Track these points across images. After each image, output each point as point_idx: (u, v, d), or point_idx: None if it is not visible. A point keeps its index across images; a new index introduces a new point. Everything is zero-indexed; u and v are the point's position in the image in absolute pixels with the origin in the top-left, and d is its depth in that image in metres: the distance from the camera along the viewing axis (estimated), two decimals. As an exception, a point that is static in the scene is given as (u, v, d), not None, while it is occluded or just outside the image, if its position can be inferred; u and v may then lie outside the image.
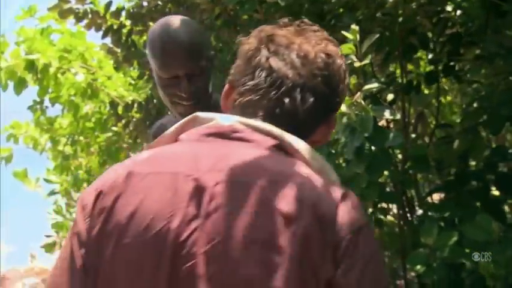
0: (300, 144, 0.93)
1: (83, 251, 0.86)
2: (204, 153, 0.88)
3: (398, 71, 2.94)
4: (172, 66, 1.35)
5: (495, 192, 2.45)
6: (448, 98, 4.17)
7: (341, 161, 2.11)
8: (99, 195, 0.88)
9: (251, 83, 0.98)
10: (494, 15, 2.45)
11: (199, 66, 1.38)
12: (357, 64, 1.80)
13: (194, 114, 0.98)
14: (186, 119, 0.98)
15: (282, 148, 0.92)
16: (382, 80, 2.86)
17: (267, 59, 0.99)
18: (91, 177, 4.26)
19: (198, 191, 0.83)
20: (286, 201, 0.82)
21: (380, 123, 3.24)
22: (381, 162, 1.90)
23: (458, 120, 4.25)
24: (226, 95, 1.05)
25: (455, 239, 1.94)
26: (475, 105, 2.18)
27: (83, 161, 4.37)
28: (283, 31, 1.05)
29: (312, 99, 0.97)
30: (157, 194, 0.84)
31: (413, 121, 3.87)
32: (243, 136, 0.92)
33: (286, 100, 0.96)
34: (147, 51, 1.44)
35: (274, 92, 0.96)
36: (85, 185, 4.63)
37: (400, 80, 2.76)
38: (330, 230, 0.84)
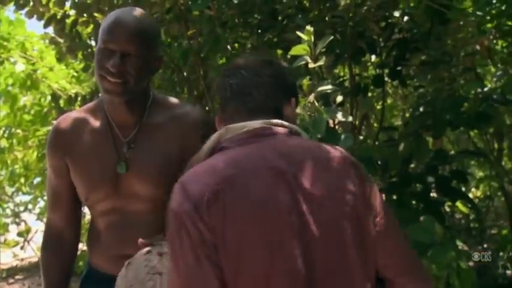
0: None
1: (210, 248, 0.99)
2: (264, 148, 1.09)
3: (346, 74, 3.00)
4: (111, 39, 1.33)
5: (435, 194, 2.55)
6: (389, 101, 4.31)
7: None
8: (215, 193, 1.01)
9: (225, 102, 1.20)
10: (438, 22, 2.55)
11: (136, 49, 1.35)
12: (311, 65, 1.80)
13: (226, 126, 1.16)
14: (218, 133, 1.16)
15: (292, 133, 1.18)
16: (330, 81, 2.90)
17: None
18: (29, 171, 4.07)
19: (289, 175, 1.05)
20: (347, 171, 1.11)
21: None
22: (331, 163, 1.92)
23: (398, 123, 4.40)
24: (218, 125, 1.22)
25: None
26: (421, 109, 2.25)
27: (18, 155, 4.17)
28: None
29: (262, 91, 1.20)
30: (264, 183, 1.03)
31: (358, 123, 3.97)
32: (272, 132, 1.13)
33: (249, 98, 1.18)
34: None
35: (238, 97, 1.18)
36: (22, 180, 4.43)
37: (348, 83, 2.81)
38: (369, 186, 1.12)
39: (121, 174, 1.42)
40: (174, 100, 1.52)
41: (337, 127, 3.21)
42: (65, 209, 1.53)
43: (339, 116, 1.81)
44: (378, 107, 3.99)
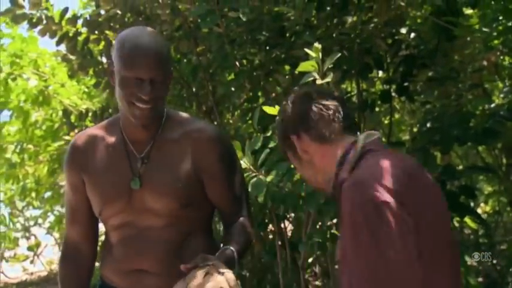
0: None
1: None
2: (401, 157, 1.33)
3: (353, 89, 3.03)
4: (140, 68, 1.36)
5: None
6: (397, 116, 4.32)
7: (299, 177, 2.13)
8: (406, 185, 1.19)
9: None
10: (445, 39, 2.58)
11: (162, 75, 1.40)
12: (319, 82, 1.83)
13: (369, 132, 1.34)
14: (365, 135, 1.33)
15: None
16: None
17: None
18: (40, 186, 4.11)
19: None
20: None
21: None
22: (339, 178, 1.93)
23: (405, 138, 4.40)
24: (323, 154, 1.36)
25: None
26: (428, 125, 2.27)
27: (29, 170, 4.22)
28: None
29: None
30: (426, 176, 1.31)
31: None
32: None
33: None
34: (113, 52, 1.42)
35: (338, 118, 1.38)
36: (33, 194, 4.48)
37: (355, 98, 2.84)
38: None
39: (135, 189, 1.45)
40: (186, 116, 1.56)
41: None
42: (82, 224, 1.56)
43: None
44: (386, 122, 4.00)
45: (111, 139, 1.50)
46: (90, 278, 1.60)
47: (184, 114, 1.57)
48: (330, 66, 1.82)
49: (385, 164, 1.23)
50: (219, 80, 2.92)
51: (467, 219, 2.80)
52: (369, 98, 2.86)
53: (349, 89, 3.34)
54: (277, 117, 1.46)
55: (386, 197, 1.16)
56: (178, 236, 1.46)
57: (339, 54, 1.82)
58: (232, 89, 2.83)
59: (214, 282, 1.21)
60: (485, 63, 3.86)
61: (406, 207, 1.17)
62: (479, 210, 5.37)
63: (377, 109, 3.55)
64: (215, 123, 2.99)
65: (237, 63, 2.74)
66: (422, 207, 1.21)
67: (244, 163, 2.06)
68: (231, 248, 1.38)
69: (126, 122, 1.47)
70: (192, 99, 3.20)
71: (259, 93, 3.00)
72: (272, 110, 1.84)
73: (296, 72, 2.32)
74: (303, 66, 1.84)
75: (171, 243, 1.45)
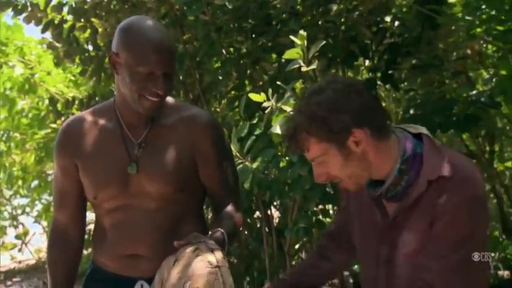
0: None
1: None
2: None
3: (339, 77, 3.04)
4: (153, 63, 1.37)
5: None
6: (384, 104, 4.36)
7: (285, 163, 2.16)
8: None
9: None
10: (429, 27, 2.61)
11: (173, 68, 1.43)
12: (304, 69, 1.85)
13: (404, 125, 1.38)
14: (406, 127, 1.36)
15: None
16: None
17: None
18: (26, 174, 4.10)
19: None
20: None
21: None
22: (323, 164, 1.96)
23: (392, 126, 4.43)
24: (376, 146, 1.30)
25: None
26: (411, 112, 2.30)
27: (16, 158, 4.20)
28: None
29: None
30: None
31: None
32: None
33: None
34: (116, 44, 1.42)
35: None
36: (20, 182, 4.46)
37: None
38: None
39: (131, 174, 1.46)
40: (181, 102, 1.59)
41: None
42: (71, 208, 1.57)
43: (331, 119, 1.86)
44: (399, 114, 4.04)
45: (106, 124, 1.51)
46: (78, 263, 1.62)
47: (179, 101, 1.60)
48: (315, 54, 1.84)
49: (469, 160, 1.32)
50: (206, 68, 2.93)
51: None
52: (354, 86, 2.88)
53: (335, 77, 3.36)
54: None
55: (483, 193, 1.25)
56: (171, 220, 1.48)
57: (324, 42, 1.85)
58: (220, 77, 2.85)
59: (203, 257, 1.24)
60: (469, 51, 3.90)
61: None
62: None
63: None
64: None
65: (224, 51, 2.75)
66: None
67: (232, 149, 2.08)
68: (221, 230, 1.41)
69: (123, 107, 1.48)
70: (179, 88, 3.21)
71: (246, 82, 3.02)
72: (258, 97, 1.86)
73: (282, 60, 2.35)
74: (289, 54, 1.86)
75: (165, 227, 1.48)
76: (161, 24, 1.48)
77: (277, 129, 1.77)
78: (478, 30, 2.76)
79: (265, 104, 1.85)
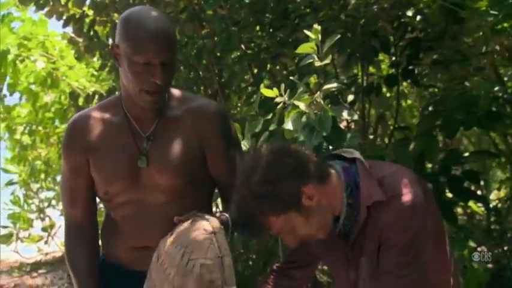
0: None
1: None
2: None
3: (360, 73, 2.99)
4: (150, 52, 1.36)
5: (449, 194, 2.53)
6: (409, 101, 4.27)
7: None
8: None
9: None
10: (453, 21, 2.53)
11: (172, 57, 1.41)
12: (317, 63, 1.82)
13: (341, 150, 1.46)
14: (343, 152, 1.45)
15: None
16: (345, 81, 2.90)
17: None
18: (49, 168, 4.15)
19: None
20: None
21: (342, 125, 3.29)
22: (337, 161, 1.92)
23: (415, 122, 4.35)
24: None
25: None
26: (430, 108, 2.24)
27: (42, 152, 4.27)
28: None
29: None
30: None
31: (373, 123, 3.95)
32: None
33: None
34: (117, 35, 1.42)
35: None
36: (42, 176, 4.53)
37: (361, 82, 2.81)
38: None
39: (142, 167, 1.46)
40: (188, 94, 1.59)
41: (351, 126, 3.20)
42: (84, 204, 1.57)
43: (345, 115, 1.82)
44: (418, 110, 3.96)
45: (114, 118, 1.51)
46: (98, 256, 1.62)
47: (187, 93, 1.60)
48: (333, 49, 1.80)
49: (400, 171, 1.35)
50: (224, 63, 2.92)
51: (472, 205, 2.78)
52: (375, 82, 2.82)
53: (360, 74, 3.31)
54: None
55: (425, 197, 1.28)
56: (181, 212, 1.47)
57: (338, 36, 1.80)
58: (237, 71, 2.83)
59: (198, 225, 1.23)
60: (497, 47, 3.78)
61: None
62: (493, 197, 5.31)
63: (388, 94, 3.51)
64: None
65: (243, 46, 2.73)
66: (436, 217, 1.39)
67: (244, 146, 2.06)
68: (226, 214, 1.43)
69: (129, 101, 1.48)
70: (198, 83, 3.21)
71: (266, 76, 2.99)
72: (270, 93, 1.83)
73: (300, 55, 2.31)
74: (302, 48, 1.83)
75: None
76: (165, 14, 1.47)
77: (289, 125, 1.74)
78: (505, 25, 2.67)
79: (277, 100, 1.82)
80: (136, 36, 1.36)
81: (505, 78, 2.06)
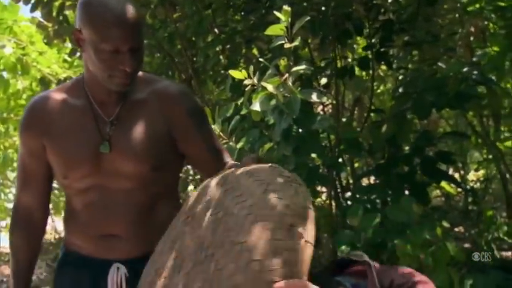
0: None
1: None
2: None
3: (338, 55, 2.98)
4: (117, 39, 1.31)
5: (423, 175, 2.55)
6: (389, 85, 4.28)
7: (272, 144, 2.12)
8: None
9: None
10: (425, 3, 2.53)
11: (139, 42, 1.36)
12: (287, 45, 1.80)
13: None
14: None
15: None
16: (322, 64, 2.89)
17: None
18: (22, 156, 4.07)
19: None
20: None
21: (319, 109, 3.29)
22: (308, 144, 1.92)
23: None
24: None
25: (378, 220, 2.00)
26: (400, 90, 2.24)
27: (16, 140, 4.19)
28: None
29: None
30: None
31: (350, 106, 3.96)
32: None
33: None
34: (78, 20, 1.37)
35: None
36: (15, 164, 4.46)
37: (335, 65, 2.80)
38: None
39: (104, 153, 1.42)
40: (152, 76, 1.53)
41: (329, 110, 3.20)
42: (37, 188, 1.52)
43: (314, 97, 1.81)
44: (378, 90, 3.97)
45: (75, 101, 1.46)
46: (41, 246, 1.57)
47: (150, 75, 1.53)
48: (308, 32, 1.79)
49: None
50: (198, 47, 2.88)
51: (445, 185, 2.80)
52: (349, 65, 2.82)
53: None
54: None
55: None
56: (147, 199, 1.43)
57: (308, 18, 1.78)
58: (211, 55, 2.80)
59: (279, 169, 1.07)
60: (472, 29, 3.79)
61: None
62: (472, 177, 5.38)
63: (365, 77, 3.51)
64: (195, 91, 2.96)
65: (216, 30, 2.70)
66: None
67: (215, 130, 2.05)
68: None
69: (93, 84, 1.43)
70: (173, 68, 3.17)
71: (242, 61, 2.96)
72: (238, 74, 1.81)
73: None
74: (271, 30, 1.80)
75: (141, 206, 1.43)
76: None
77: (256, 107, 1.73)
78: (477, 6, 2.68)
79: (246, 82, 1.80)
80: (101, 23, 1.30)
81: (474, 59, 2.06)
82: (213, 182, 1.17)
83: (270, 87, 1.74)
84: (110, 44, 1.30)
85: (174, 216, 1.41)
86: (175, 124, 1.45)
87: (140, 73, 1.48)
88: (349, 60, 2.91)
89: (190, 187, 4.38)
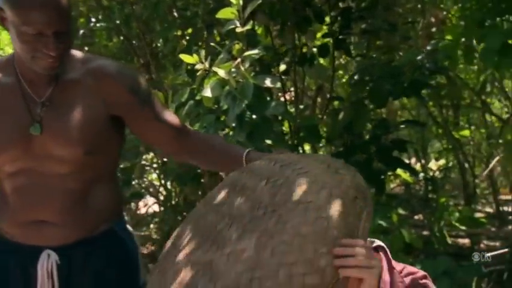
0: None
1: None
2: None
3: (301, 43, 2.96)
4: (40, 22, 1.24)
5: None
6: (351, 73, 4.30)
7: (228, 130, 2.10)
8: None
9: None
10: (385, -9, 2.53)
11: (66, 24, 1.30)
12: (239, 29, 1.78)
13: None
14: None
15: None
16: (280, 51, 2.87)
17: None
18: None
19: None
20: None
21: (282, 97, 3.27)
22: (262, 130, 1.90)
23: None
24: None
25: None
26: (355, 77, 2.24)
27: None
28: None
29: None
30: None
31: (312, 94, 3.96)
32: None
33: None
34: (1, 0, 1.31)
35: None
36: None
37: (295, 52, 2.78)
38: None
39: (34, 135, 1.36)
40: (87, 54, 1.45)
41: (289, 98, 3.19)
42: None
43: (268, 83, 1.79)
44: (343, 80, 3.98)
45: (4, 80, 1.37)
46: None
47: (83, 53, 1.44)
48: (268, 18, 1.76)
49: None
50: (155, 31, 2.82)
51: (401, 173, 2.84)
52: (309, 52, 2.81)
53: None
54: None
55: None
56: (82, 184, 1.38)
57: (260, 1, 1.76)
58: (170, 40, 2.75)
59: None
60: (433, 19, 3.82)
61: None
62: (433, 167, 5.48)
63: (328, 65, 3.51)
64: (152, 76, 2.91)
65: (176, 13, 2.65)
66: None
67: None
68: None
69: (21, 63, 1.35)
70: (131, 53, 3.11)
71: (203, 46, 2.92)
72: (189, 59, 1.78)
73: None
74: (222, 13, 1.78)
75: (75, 191, 1.37)
76: None
77: (207, 92, 1.70)
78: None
79: (197, 66, 1.77)
80: (22, 5, 1.23)
81: (428, 47, 2.08)
82: (259, 162, 1.24)
83: (221, 72, 1.72)
84: (32, 28, 1.22)
85: (111, 201, 1.37)
86: (117, 104, 1.38)
87: (74, 51, 1.41)
88: (310, 47, 2.90)
89: (154, 175, 4.33)
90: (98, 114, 1.37)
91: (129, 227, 1.47)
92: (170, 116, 1.47)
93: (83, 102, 1.36)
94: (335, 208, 0.98)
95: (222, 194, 1.22)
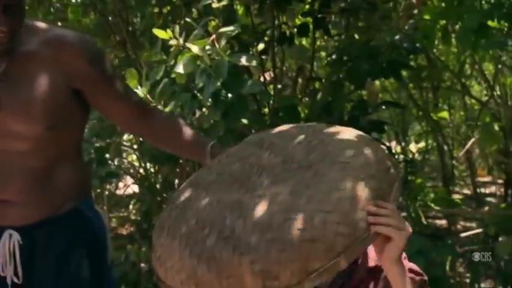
0: None
1: None
2: None
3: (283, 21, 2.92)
4: None
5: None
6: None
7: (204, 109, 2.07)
8: None
9: None
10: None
11: None
12: (215, 5, 1.74)
13: None
14: None
15: None
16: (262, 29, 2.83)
17: None
18: None
19: None
20: None
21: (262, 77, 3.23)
22: (237, 109, 1.88)
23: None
24: None
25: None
26: (333, 57, 2.22)
27: None
28: None
29: None
30: None
31: (293, 73, 3.93)
32: None
33: None
34: None
35: None
36: None
37: (274, 31, 2.74)
38: None
39: None
40: (43, 24, 1.38)
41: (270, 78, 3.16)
42: None
43: (243, 61, 1.76)
44: (325, 61, 3.94)
45: None
46: None
47: (40, 23, 1.38)
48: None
49: None
50: (131, 7, 2.76)
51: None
52: (288, 31, 2.77)
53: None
54: None
55: None
56: (44, 161, 1.34)
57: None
58: (146, 16, 2.69)
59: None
60: (414, 0, 3.80)
61: None
62: (413, 149, 5.52)
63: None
64: (129, 53, 2.85)
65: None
66: None
67: (141, 93, 1.97)
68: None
69: None
70: (107, 29, 3.04)
71: (181, 23, 2.86)
72: (163, 34, 1.74)
73: None
74: (198, -11, 1.74)
75: (37, 169, 1.34)
76: None
77: (180, 69, 1.66)
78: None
79: (171, 42, 1.73)
80: None
81: (406, 27, 2.06)
82: (285, 127, 1.27)
83: (195, 49, 1.68)
84: None
85: (76, 179, 1.33)
86: (78, 75, 1.33)
87: (30, 22, 1.35)
88: (291, 26, 2.86)
89: (133, 157, 4.28)
90: (57, 87, 1.31)
91: (97, 207, 1.44)
92: (134, 96, 1.44)
93: (41, 76, 1.30)
94: (372, 172, 1.01)
95: (249, 148, 1.20)
